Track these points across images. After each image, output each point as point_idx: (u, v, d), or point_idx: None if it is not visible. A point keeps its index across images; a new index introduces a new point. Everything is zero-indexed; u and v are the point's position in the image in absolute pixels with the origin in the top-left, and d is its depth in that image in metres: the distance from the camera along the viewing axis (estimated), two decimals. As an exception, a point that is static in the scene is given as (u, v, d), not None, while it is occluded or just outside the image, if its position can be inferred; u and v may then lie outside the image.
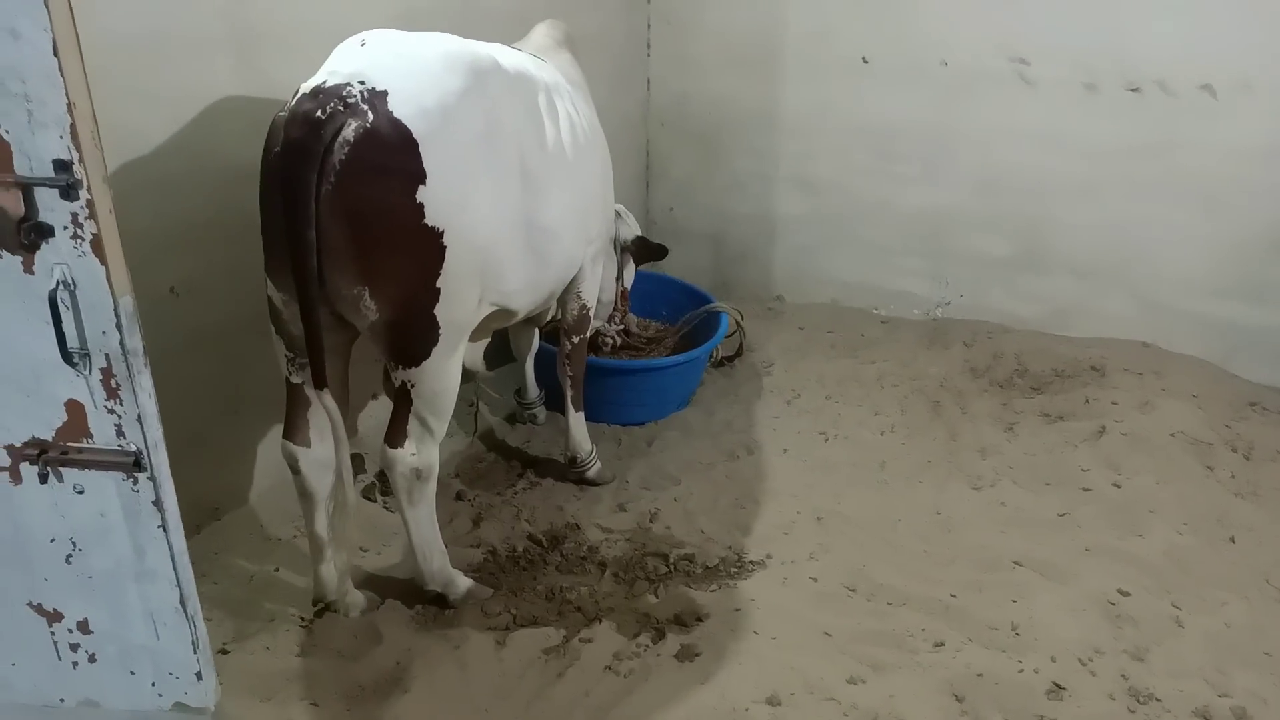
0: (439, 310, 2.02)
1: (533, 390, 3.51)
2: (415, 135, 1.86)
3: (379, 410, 3.19)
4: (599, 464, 3.17)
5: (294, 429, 2.19)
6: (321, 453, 2.23)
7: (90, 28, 2.11)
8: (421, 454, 2.24)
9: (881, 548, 2.83)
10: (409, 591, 2.54)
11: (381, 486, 3.00)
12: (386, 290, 1.95)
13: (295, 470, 2.24)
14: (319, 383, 1.98)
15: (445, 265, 1.97)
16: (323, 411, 2.17)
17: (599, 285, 3.05)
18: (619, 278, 3.63)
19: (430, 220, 1.91)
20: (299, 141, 1.81)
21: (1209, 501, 3.05)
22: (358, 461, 3.03)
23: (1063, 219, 4.02)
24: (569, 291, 2.88)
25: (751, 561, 2.77)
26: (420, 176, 1.87)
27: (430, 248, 1.93)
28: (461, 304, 2.08)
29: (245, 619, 2.40)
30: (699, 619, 2.49)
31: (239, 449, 2.80)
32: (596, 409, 3.49)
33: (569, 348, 3.01)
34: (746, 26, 4.29)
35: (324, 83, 1.86)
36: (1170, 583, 2.67)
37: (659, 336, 3.93)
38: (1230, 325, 3.85)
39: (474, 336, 2.49)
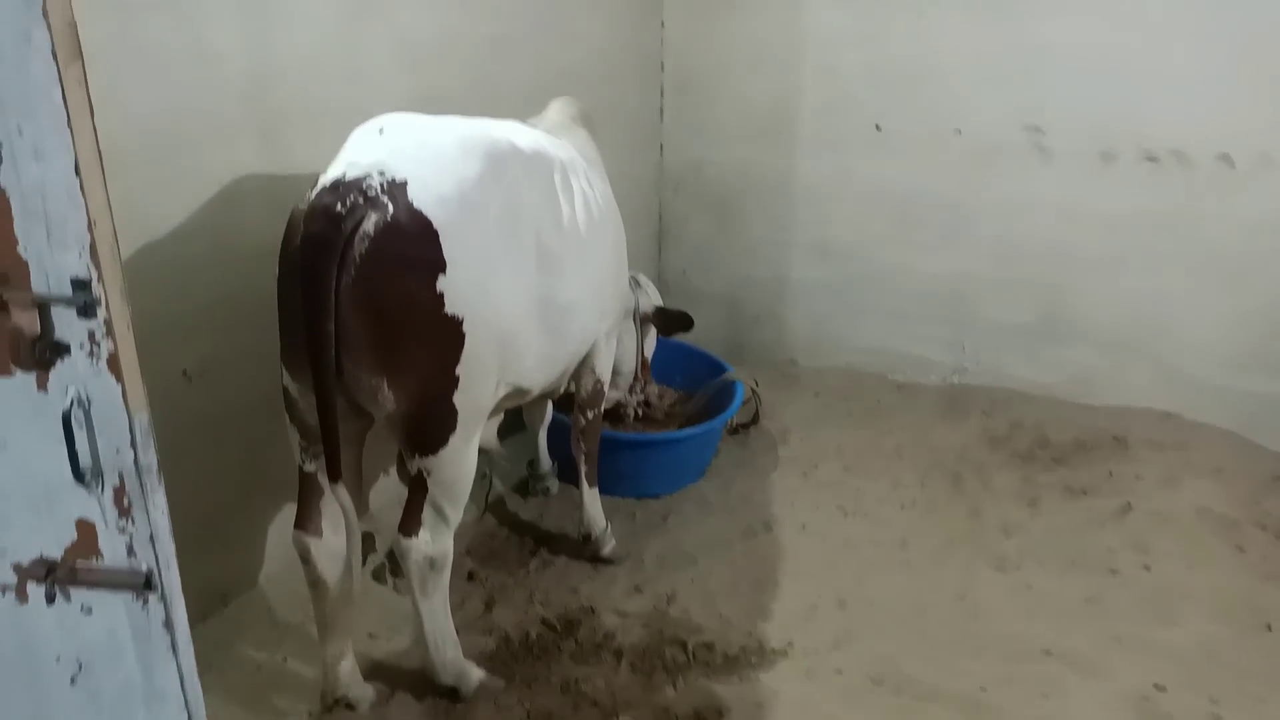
0: (457, 397, 1.98)
1: (545, 462, 3.46)
2: (435, 225, 1.84)
3: (390, 486, 3.13)
4: (614, 542, 3.10)
5: (306, 519, 2.14)
6: (335, 543, 2.18)
7: (115, 114, 2.13)
8: (436, 542, 2.19)
9: (907, 635, 2.74)
10: (420, 682, 2.45)
11: (392, 567, 2.93)
12: (405, 380, 1.92)
13: (306, 561, 2.18)
14: (334, 475, 1.94)
15: (464, 352, 1.94)
16: (336, 500, 2.13)
17: (614, 358, 3.02)
18: (639, 348, 3.60)
19: (450, 309, 1.88)
20: (319, 235, 1.78)
21: (1241, 586, 2.97)
22: (369, 540, 2.97)
23: (1083, 288, 3.98)
24: (583, 366, 2.84)
25: (773, 650, 2.68)
26: (440, 266, 1.85)
27: (450, 336, 1.90)
28: (480, 389, 2.04)
29: (253, 715, 2.33)
30: (720, 714, 2.40)
31: (250, 532, 2.75)
32: (610, 482, 3.43)
33: (583, 423, 2.96)
34: (762, 96, 4.31)
35: (344, 175, 1.84)
36: (1206, 676, 2.57)
37: (675, 410, 3.88)
38: (1253, 397, 3.79)
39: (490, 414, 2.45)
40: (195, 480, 2.41)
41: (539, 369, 2.33)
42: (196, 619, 2.58)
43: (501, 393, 2.22)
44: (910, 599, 2.93)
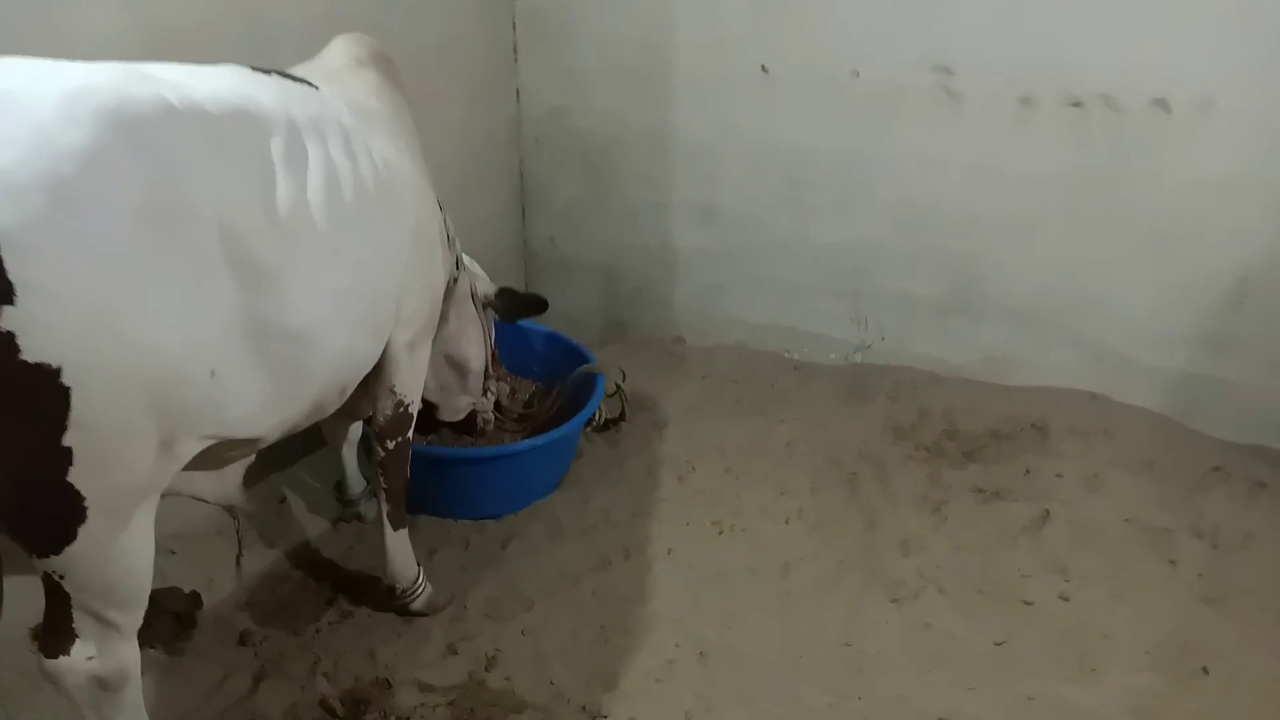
0: (77, 476, 1.34)
1: (355, 484, 2.85)
2: None
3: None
4: (428, 590, 2.51)
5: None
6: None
7: None
8: (106, 658, 1.57)
9: (776, 702, 2.23)
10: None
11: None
12: None
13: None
14: None
15: (74, 413, 1.29)
16: None
17: (462, 357, 2.39)
18: (487, 340, 2.99)
19: (31, 354, 1.23)
20: None
21: (1174, 616, 2.52)
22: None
23: (997, 256, 3.46)
24: (378, 385, 2.22)
25: (610, 730, 2.15)
26: (3, 293, 1.19)
27: (38, 394, 1.26)
28: (122, 460, 1.41)
29: None
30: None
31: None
32: (442, 503, 2.87)
33: (382, 454, 2.35)
34: (631, 33, 3.65)
35: None
36: (1133, 745, 2.12)
37: (530, 412, 3.28)
38: (1188, 377, 3.34)
39: (211, 465, 1.83)
40: None
41: (265, 413, 1.70)
42: None
43: (193, 449, 1.59)
44: (785, 648, 2.42)
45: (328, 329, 1.78)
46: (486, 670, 2.32)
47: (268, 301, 1.61)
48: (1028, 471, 3.13)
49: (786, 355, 3.96)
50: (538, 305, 3.08)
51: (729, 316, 4.00)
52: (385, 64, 2.34)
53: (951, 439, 3.36)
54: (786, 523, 2.95)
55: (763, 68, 3.50)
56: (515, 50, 3.83)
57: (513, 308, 3.05)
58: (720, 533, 2.91)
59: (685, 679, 2.31)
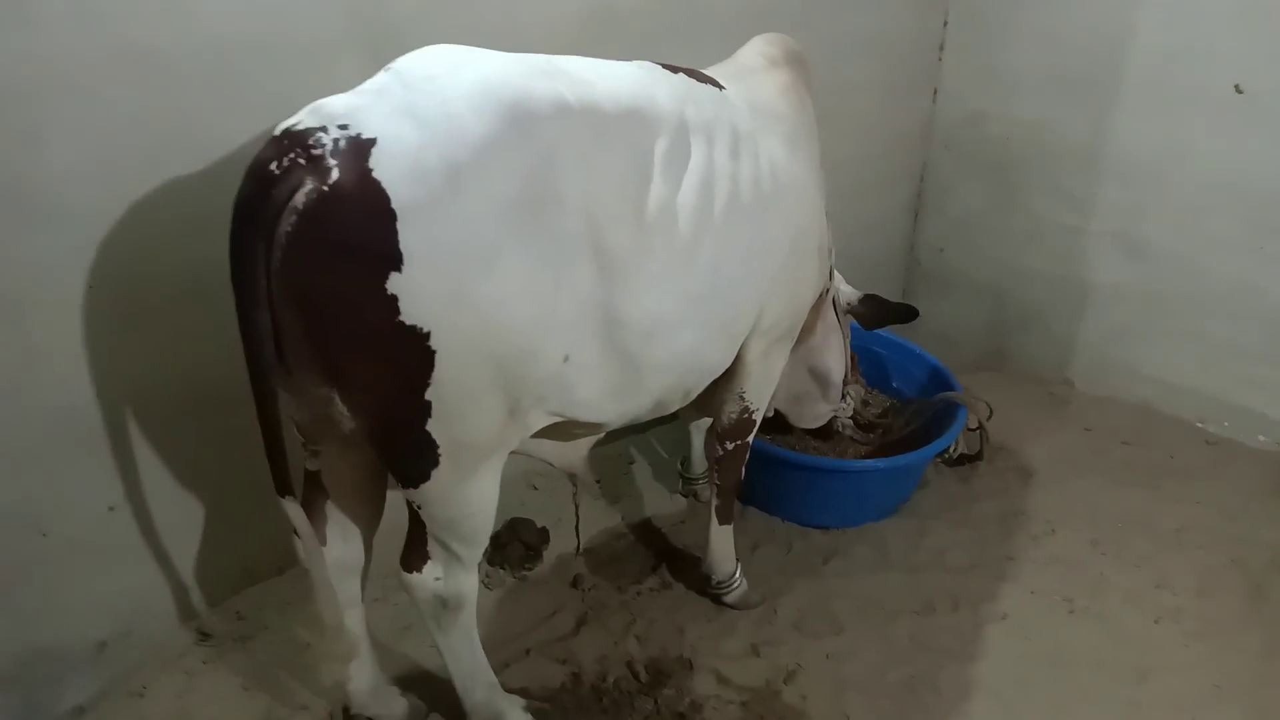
0: (434, 427, 1.53)
1: (699, 465, 2.95)
2: (395, 204, 1.35)
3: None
4: (743, 587, 2.54)
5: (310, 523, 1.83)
6: (343, 553, 1.87)
7: (198, 29, 1.90)
8: (449, 581, 1.79)
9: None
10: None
11: (489, 554, 2.62)
12: (358, 398, 1.50)
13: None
14: (280, 488, 1.58)
15: (436, 374, 1.46)
16: (350, 505, 1.82)
17: (822, 368, 2.38)
18: (848, 351, 2.93)
19: (409, 318, 1.40)
20: (247, 203, 1.39)
21: None
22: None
23: None
24: (726, 390, 2.26)
25: (894, 791, 2.03)
26: (393, 260, 1.37)
27: (409, 352, 1.44)
28: (471, 421, 1.57)
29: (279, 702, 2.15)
30: None
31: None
32: (772, 501, 2.88)
33: (720, 453, 2.40)
34: (1079, 33, 3.28)
35: (295, 125, 1.41)
36: None
37: (882, 422, 3.15)
38: None
39: (560, 437, 1.97)
40: (228, 447, 2.20)
41: (609, 401, 1.80)
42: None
43: (538, 422, 1.73)
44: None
45: (672, 330, 1.81)
46: (784, 682, 2.30)
47: (619, 294, 1.67)
48: None
49: (1199, 425, 3.39)
50: (905, 314, 2.87)
51: (1134, 369, 3.51)
52: (798, 65, 2.32)
53: None
54: (1156, 621, 2.54)
55: (1236, 87, 2.95)
56: (941, 47, 3.62)
57: (878, 316, 2.89)
58: (1070, 611, 2.58)
59: (993, 763, 2.10)
